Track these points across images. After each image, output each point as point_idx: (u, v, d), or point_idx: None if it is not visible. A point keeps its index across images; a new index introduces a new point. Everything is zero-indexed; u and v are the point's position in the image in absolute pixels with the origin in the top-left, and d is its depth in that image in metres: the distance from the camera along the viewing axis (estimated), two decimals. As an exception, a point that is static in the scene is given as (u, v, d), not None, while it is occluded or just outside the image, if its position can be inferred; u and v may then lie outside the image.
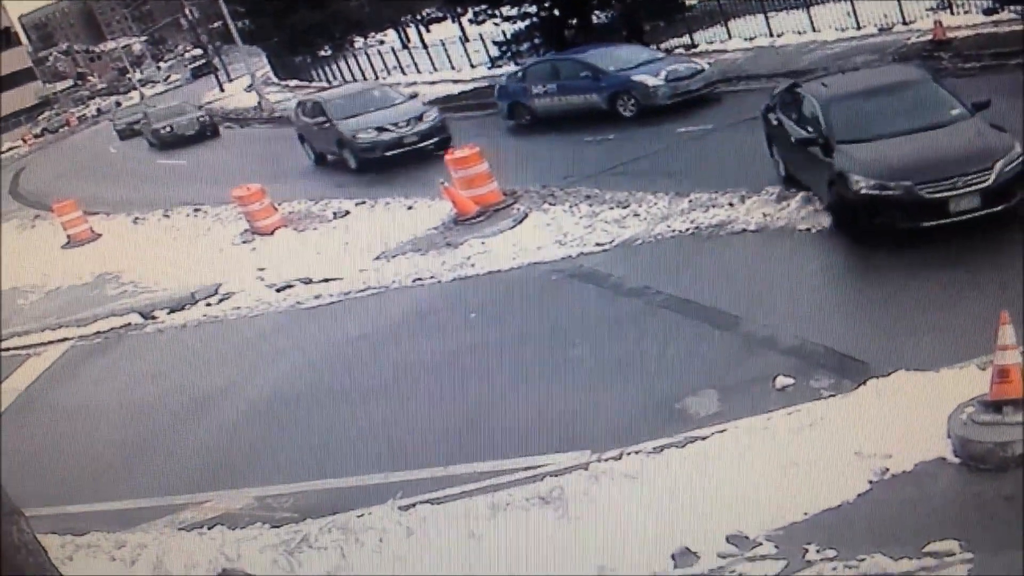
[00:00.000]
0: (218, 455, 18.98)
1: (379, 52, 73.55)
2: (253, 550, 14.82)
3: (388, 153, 39.10)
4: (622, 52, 40.75)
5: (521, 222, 27.20)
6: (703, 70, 37.82)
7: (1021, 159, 19.55)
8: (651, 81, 36.81)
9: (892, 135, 20.84)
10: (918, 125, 21.02)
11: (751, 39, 45.61)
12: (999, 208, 19.23)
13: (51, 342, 28.73)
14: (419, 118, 40.09)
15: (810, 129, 22.15)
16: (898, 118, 21.33)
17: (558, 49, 52.20)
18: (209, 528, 16.10)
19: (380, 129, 39.59)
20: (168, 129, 67.88)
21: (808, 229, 21.61)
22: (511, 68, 55.31)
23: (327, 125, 41.52)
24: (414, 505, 14.88)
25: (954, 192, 19.14)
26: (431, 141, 39.04)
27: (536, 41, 56.28)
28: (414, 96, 45.02)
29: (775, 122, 24.70)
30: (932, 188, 19.21)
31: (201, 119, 69.30)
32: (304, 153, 46.29)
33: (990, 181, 19.20)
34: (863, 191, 19.87)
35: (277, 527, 15.50)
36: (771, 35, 45.13)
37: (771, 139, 25.23)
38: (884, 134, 20.92)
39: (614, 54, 40.21)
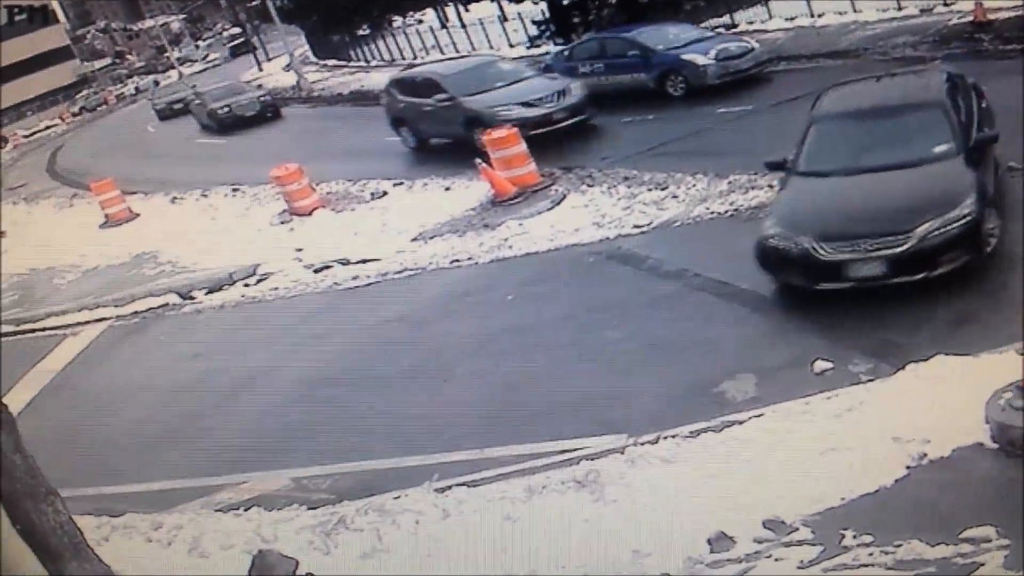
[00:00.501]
0: (256, 436, 19.04)
1: (417, 32, 73.40)
2: (289, 531, 14.89)
3: (534, 132, 32.88)
4: (671, 30, 40.06)
5: (559, 203, 27.20)
6: (753, 49, 37.42)
7: (967, 219, 17.35)
8: (701, 60, 36.48)
9: (850, 172, 19.10)
10: (886, 162, 18.90)
11: (792, 19, 45.27)
12: (916, 277, 17.24)
13: (88, 322, 28.82)
14: (564, 92, 35.62)
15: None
16: (873, 150, 19.46)
17: (597, 30, 52.16)
18: (246, 509, 16.17)
19: (526, 104, 34.93)
20: (227, 110, 62.78)
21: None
22: (551, 47, 55.38)
23: (448, 103, 36.60)
24: (450, 487, 14.95)
25: (855, 256, 17.44)
26: (579, 118, 35.36)
27: (575, 20, 56.11)
28: (547, 68, 40.85)
29: None
30: (831, 248, 17.54)
31: (262, 99, 64.80)
32: (389, 137, 43.01)
33: (903, 247, 17.15)
34: (769, 240, 18.47)
35: (314, 508, 15.55)
36: (812, 15, 44.80)
37: None
38: (842, 170, 19.22)
39: (663, 32, 39.63)
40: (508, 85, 36.48)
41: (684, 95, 36.54)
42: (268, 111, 62.95)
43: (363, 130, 48.70)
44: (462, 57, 46.39)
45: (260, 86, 74.12)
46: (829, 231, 17.77)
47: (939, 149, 18.85)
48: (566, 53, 42.48)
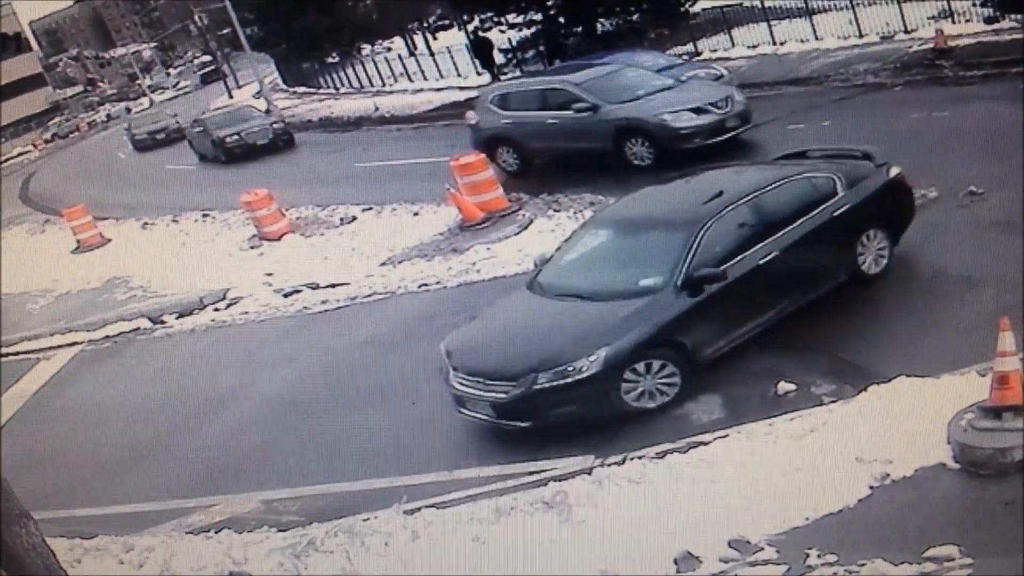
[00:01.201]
0: (226, 459, 19.02)
1: (386, 59, 73.55)
2: (260, 553, 14.85)
3: (710, 141, 29.64)
4: (646, 57, 39.02)
5: (526, 228, 27.23)
6: (723, 74, 36.56)
7: (568, 380, 15.99)
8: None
9: (558, 294, 18.01)
10: (587, 288, 17.77)
11: (754, 47, 45.48)
12: (515, 424, 16.56)
13: (61, 346, 28.78)
14: (731, 99, 31.01)
15: None
16: (594, 272, 18.58)
17: (563, 57, 52.32)
18: (216, 532, 16.14)
19: (698, 111, 30.30)
20: (236, 138, 55.79)
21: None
22: (516, 73, 55.55)
23: (586, 113, 31.44)
24: (419, 509, 14.91)
25: (473, 392, 16.81)
26: (746, 127, 31.13)
27: (541, 48, 56.35)
28: (719, 77, 36.15)
29: None
30: (462, 381, 17.03)
31: (275, 125, 57.87)
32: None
33: (505, 396, 16.33)
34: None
35: (284, 531, 15.52)
36: (774, 43, 45.05)
37: None
38: (552, 289, 18.21)
39: (638, 58, 38.35)
40: (665, 92, 31.77)
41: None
42: (281, 139, 56.45)
43: (332, 155, 48.87)
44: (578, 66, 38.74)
45: (269, 111, 66.48)
46: (469, 361, 17.25)
47: (643, 283, 17.10)
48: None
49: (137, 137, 77.42)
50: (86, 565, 15.51)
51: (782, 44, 44.58)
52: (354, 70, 76.51)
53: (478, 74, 60.06)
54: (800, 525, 12.18)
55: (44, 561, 13.40)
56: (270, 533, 15.61)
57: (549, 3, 55.38)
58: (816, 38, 43.34)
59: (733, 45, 46.99)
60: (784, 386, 15.69)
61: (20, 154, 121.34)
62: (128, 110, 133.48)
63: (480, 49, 61.01)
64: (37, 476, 19.46)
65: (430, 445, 17.13)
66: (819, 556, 11.43)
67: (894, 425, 13.27)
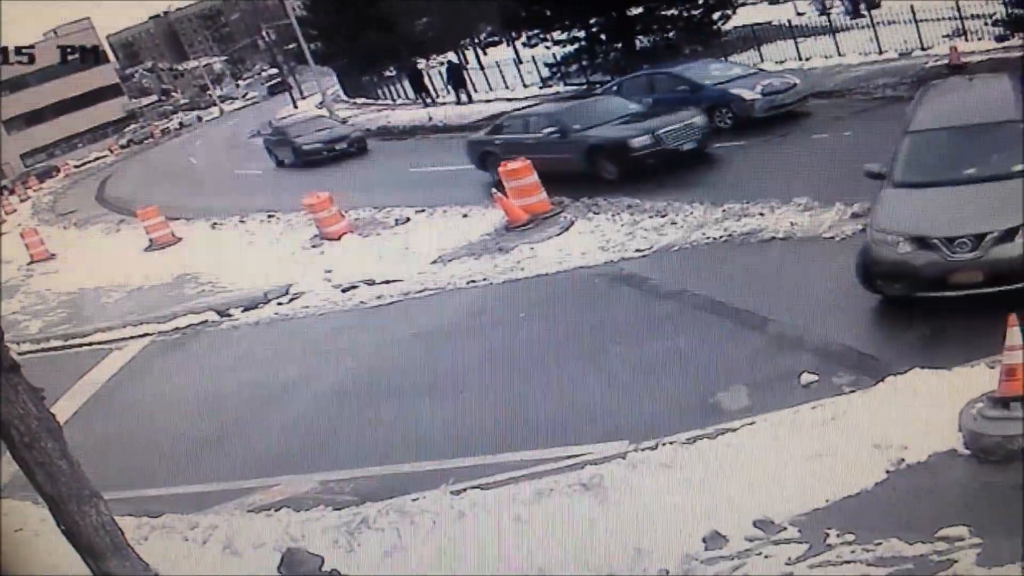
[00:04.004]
0: (286, 442, 19.05)
1: (440, 73, 73.52)
2: (316, 531, 14.91)
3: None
4: (716, 67, 39.29)
5: (567, 229, 27.24)
6: (795, 84, 36.13)
7: None
8: (748, 95, 35.35)
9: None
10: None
11: (781, 62, 45.30)
12: None
13: (132, 337, 28.87)
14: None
15: None
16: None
17: (604, 71, 52.34)
18: (276, 510, 16.19)
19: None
20: (314, 145, 53.78)
21: (831, 237, 21.56)
22: (561, 87, 55.62)
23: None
24: (465, 490, 14.96)
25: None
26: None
27: (583, 63, 56.40)
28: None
29: None
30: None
31: (353, 134, 55.67)
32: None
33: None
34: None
35: (339, 510, 15.57)
36: (800, 59, 44.94)
37: None
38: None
39: (709, 68, 38.78)
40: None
41: (731, 127, 35.16)
42: (355, 146, 54.16)
43: (388, 162, 48.86)
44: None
45: (345, 120, 64.47)
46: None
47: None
48: (615, 88, 40.70)
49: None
50: (153, 542, 15.57)
51: (807, 60, 44.50)
52: (410, 83, 76.57)
53: (524, 87, 60.14)
54: (821, 507, 12.21)
55: (112, 538, 13.49)
56: (326, 512, 15.68)
57: (591, 22, 55.33)
58: (839, 54, 43.27)
59: (762, 60, 46.78)
60: (807, 377, 15.69)
61: (97, 158, 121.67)
62: (199, 119, 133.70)
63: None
64: (108, 459, 19.54)
65: (475, 431, 17.14)
66: (838, 536, 11.46)
67: (909, 414, 13.26)
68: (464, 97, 63.24)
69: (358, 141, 55.04)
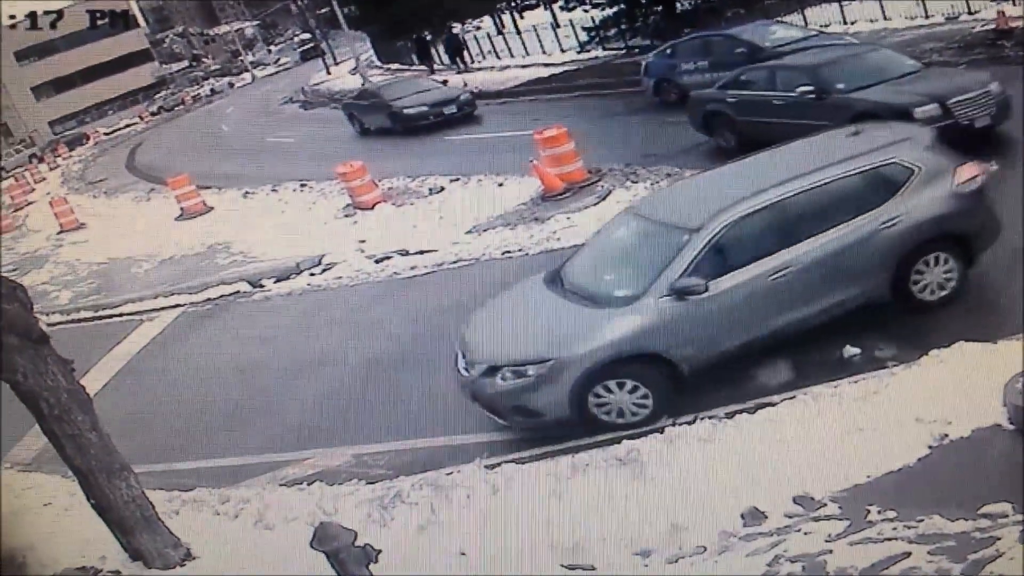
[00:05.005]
0: (319, 415, 19.15)
1: (475, 37, 73.43)
2: (349, 505, 15.00)
3: None
4: (776, 29, 37.91)
5: (605, 199, 27.21)
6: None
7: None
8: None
9: None
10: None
11: (825, 26, 44.90)
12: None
13: (163, 308, 29.03)
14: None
15: None
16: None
17: (644, 35, 52.17)
18: (309, 484, 16.33)
19: None
20: (418, 109, 48.54)
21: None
22: (601, 52, 55.47)
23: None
24: (499, 464, 15.03)
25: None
26: None
27: (622, 27, 56.18)
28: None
29: None
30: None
31: (461, 97, 49.71)
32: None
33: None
34: None
35: (372, 483, 15.70)
36: (844, 23, 44.68)
37: None
38: None
39: (768, 30, 37.51)
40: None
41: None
42: (465, 108, 48.79)
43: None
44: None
45: (446, 81, 57.15)
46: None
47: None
48: (668, 51, 40.25)
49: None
50: (183, 516, 15.68)
51: (852, 24, 44.22)
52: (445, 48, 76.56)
53: (562, 51, 60.03)
54: (862, 483, 12.21)
55: (143, 512, 13.63)
56: (359, 486, 15.79)
57: (631, -17, 55.16)
58: (885, 18, 42.95)
59: (806, 24, 46.48)
60: (849, 350, 15.69)
61: (127, 126, 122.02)
62: (231, 85, 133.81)
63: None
64: (138, 432, 19.74)
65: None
66: (879, 512, 11.45)
67: (953, 388, 13.23)
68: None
69: (467, 104, 49.35)
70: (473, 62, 66.78)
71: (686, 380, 15.67)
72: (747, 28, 38.05)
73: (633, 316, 15.56)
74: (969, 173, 16.62)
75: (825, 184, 16.38)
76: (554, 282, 17.40)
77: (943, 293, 16.57)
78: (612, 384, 15.48)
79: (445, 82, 55.98)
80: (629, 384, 15.49)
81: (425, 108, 48.51)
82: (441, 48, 73.24)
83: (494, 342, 16.55)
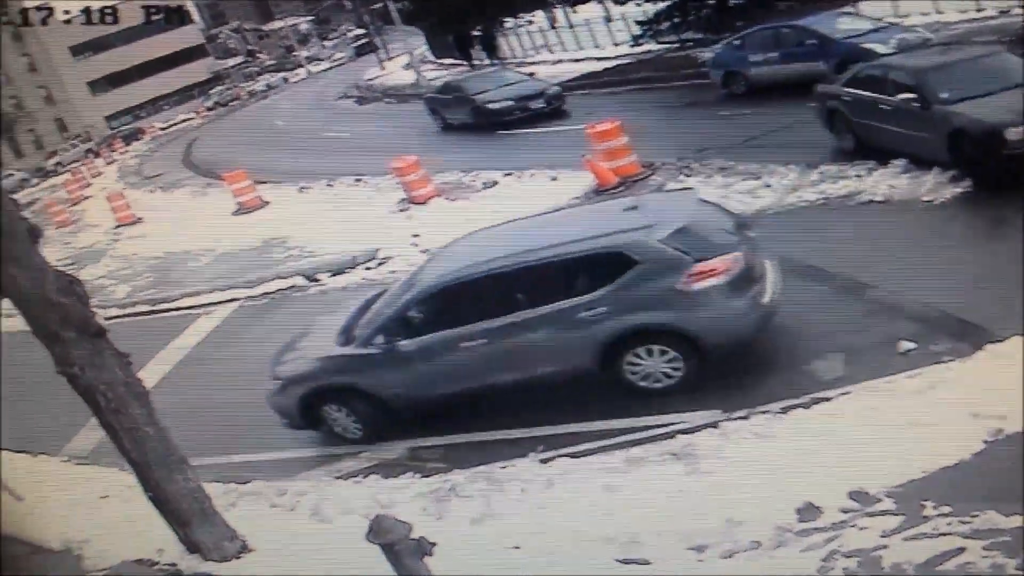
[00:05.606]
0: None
1: (528, 32, 73.37)
2: (404, 498, 15.13)
3: None
4: (846, 20, 37.74)
5: (658, 192, 27.13)
6: (930, 38, 34.43)
7: None
8: (881, 49, 33.10)
9: None
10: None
11: (878, 20, 44.69)
12: None
13: (220, 302, 29.23)
14: None
15: None
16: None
17: (697, 29, 52.03)
18: (364, 477, 16.46)
19: None
20: (500, 103, 46.17)
21: (931, 200, 21.35)
22: (654, 45, 55.32)
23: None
24: (554, 458, 15.08)
25: None
26: None
27: (675, 20, 56.01)
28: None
29: None
30: None
31: (552, 89, 46.82)
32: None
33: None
34: None
35: (427, 476, 15.80)
36: (897, 16, 44.31)
37: None
38: None
39: (838, 21, 37.27)
40: None
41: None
42: (553, 103, 45.85)
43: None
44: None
45: (532, 74, 53.76)
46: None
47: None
48: (737, 43, 39.88)
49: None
50: (240, 508, 15.81)
51: (905, 17, 43.87)
52: (498, 43, 76.51)
53: (615, 45, 59.92)
54: (917, 478, 12.15)
55: (200, 504, 13.74)
56: (415, 479, 15.91)
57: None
58: (937, 12, 42.61)
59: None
60: (904, 344, 15.61)
61: (183, 121, 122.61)
62: (285, 80, 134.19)
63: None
64: (195, 425, 19.86)
65: (566, 399, 17.18)
66: (934, 508, 11.41)
67: (1009, 382, 13.13)
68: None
69: (555, 98, 46.29)
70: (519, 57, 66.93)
71: (400, 414, 17.78)
72: (817, 18, 37.60)
73: (344, 354, 17.96)
74: (705, 270, 16.03)
75: (546, 262, 16.73)
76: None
77: (668, 382, 16.43)
78: (333, 406, 17.99)
79: (532, 74, 53.28)
80: (344, 409, 17.96)
81: (510, 103, 46.22)
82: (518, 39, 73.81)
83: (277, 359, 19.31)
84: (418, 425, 17.82)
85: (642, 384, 16.45)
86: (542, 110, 45.21)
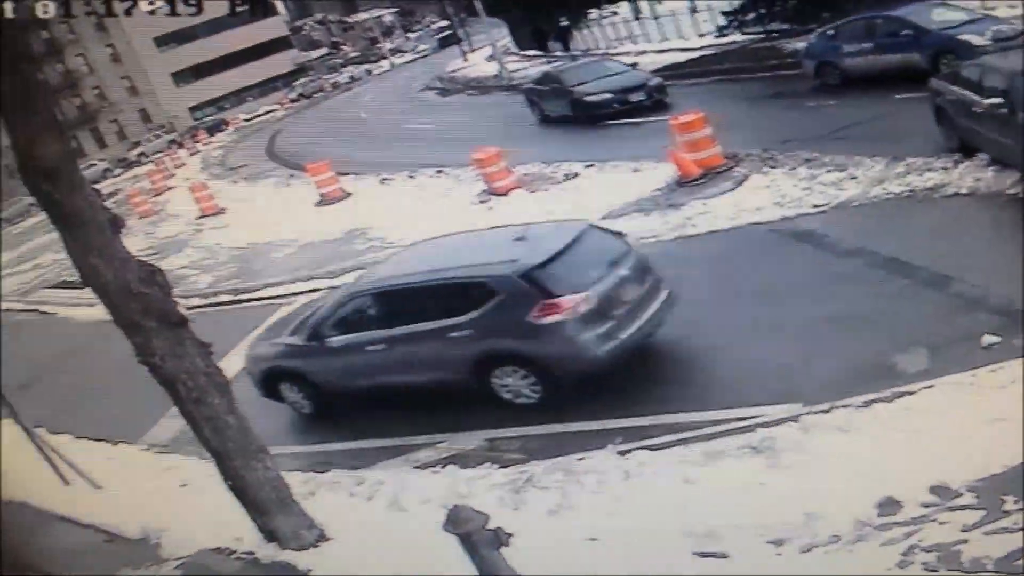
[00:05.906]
0: (453, 398, 19.15)
1: (612, 24, 73.28)
2: (482, 488, 15.15)
3: None
4: (942, 11, 36.49)
5: (741, 184, 27.05)
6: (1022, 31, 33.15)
7: None
8: (977, 40, 32.84)
9: None
10: None
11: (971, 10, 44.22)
12: None
13: (302, 292, 29.35)
14: None
15: None
16: None
17: (782, 19, 51.72)
18: (442, 467, 16.48)
19: None
20: (598, 95, 44.18)
21: (1016, 194, 21.11)
22: (739, 36, 55.07)
23: None
24: (632, 450, 15.05)
25: None
26: None
27: (760, 11, 55.74)
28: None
29: None
30: None
31: (652, 81, 44.93)
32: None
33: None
34: None
35: (505, 467, 15.80)
36: (983, 8, 43.86)
37: None
38: None
39: (932, 12, 36.23)
40: None
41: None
42: (655, 95, 43.66)
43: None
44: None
45: (635, 64, 50.99)
46: None
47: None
48: (830, 33, 39.30)
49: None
50: (319, 497, 15.91)
51: (992, 9, 43.34)
52: (581, 34, 76.47)
53: (699, 36, 59.71)
54: (998, 472, 11.99)
55: (278, 493, 13.83)
56: (492, 469, 15.92)
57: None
58: (984, 9, 42.13)
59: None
60: (988, 339, 15.43)
61: (267, 112, 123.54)
62: (369, 72, 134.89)
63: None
64: (274, 415, 20.04)
65: (640, 390, 17.22)
66: (1015, 503, 11.28)
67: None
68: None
69: (656, 90, 44.16)
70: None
71: (333, 399, 20.35)
72: (911, 8, 36.90)
73: (293, 343, 20.55)
74: (548, 308, 17.42)
75: (428, 285, 19.13)
76: None
77: (529, 400, 18.07)
78: (286, 384, 20.69)
79: (634, 65, 50.57)
80: (295, 387, 20.65)
81: (609, 95, 44.18)
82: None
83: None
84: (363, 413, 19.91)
85: (508, 398, 18.21)
86: (643, 103, 43.37)
